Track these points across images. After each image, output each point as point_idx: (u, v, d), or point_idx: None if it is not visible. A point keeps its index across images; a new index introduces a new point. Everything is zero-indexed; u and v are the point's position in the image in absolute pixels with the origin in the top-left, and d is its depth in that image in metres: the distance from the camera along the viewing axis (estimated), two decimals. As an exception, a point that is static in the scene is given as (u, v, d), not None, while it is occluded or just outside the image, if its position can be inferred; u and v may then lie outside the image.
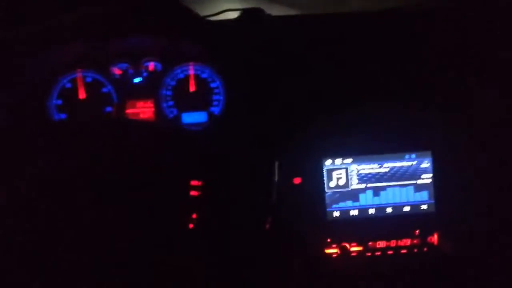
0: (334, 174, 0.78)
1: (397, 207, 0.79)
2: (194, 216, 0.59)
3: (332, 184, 0.78)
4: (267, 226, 0.69)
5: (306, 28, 0.92)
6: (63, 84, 0.87)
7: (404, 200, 0.79)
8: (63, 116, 0.87)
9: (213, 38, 0.76)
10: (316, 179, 0.78)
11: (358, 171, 0.79)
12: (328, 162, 0.78)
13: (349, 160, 0.78)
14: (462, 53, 0.86)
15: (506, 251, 0.78)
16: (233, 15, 0.93)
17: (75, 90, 0.87)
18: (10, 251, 0.55)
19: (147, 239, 0.57)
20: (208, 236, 0.60)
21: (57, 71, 0.86)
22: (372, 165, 0.79)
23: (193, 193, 0.60)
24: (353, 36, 0.89)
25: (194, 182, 0.61)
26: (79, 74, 0.87)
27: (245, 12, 0.91)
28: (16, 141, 0.65)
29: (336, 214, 0.79)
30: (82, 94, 0.87)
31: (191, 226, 0.59)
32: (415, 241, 0.79)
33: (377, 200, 0.79)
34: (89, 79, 0.88)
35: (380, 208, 0.79)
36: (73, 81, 0.87)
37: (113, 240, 0.57)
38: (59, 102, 0.86)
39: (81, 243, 0.56)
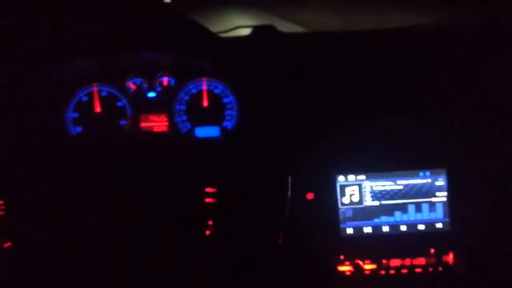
0: (348, 190, 0.78)
1: (412, 225, 0.78)
2: (210, 222, 0.60)
3: (346, 200, 0.78)
4: (280, 241, 0.69)
5: (317, 45, 0.93)
6: (79, 98, 0.88)
7: (418, 218, 0.78)
8: (79, 128, 0.88)
9: (225, 55, 0.78)
10: (329, 195, 0.78)
11: (371, 188, 0.78)
12: (341, 178, 0.78)
13: (362, 177, 0.78)
14: (475, 71, 0.86)
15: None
16: (245, 32, 0.95)
17: (91, 103, 0.88)
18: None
19: (165, 245, 0.58)
20: (224, 243, 0.60)
21: (74, 85, 0.88)
22: (385, 182, 0.78)
23: (208, 200, 0.61)
24: (364, 53, 0.90)
25: (209, 189, 0.61)
26: (95, 88, 0.88)
27: (256, 29, 0.93)
28: (33, 152, 0.66)
29: (350, 231, 0.78)
30: (97, 108, 0.88)
31: (207, 232, 0.59)
32: (430, 260, 0.78)
33: (391, 218, 0.78)
34: (104, 93, 0.89)
35: (394, 226, 0.78)
36: (89, 95, 0.88)
37: (131, 246, 0.57)
38: (75, 115, 0.88)
39: (100, 250, 0.56)
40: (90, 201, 0.58)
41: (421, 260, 0.78)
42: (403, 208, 0.78)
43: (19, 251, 0.58)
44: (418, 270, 0.78)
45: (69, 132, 0.88)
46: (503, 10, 0.93)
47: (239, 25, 1.03)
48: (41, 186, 0.59)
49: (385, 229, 0.78)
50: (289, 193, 0.72)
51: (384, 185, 0.78)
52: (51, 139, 0.76)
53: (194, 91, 0.91)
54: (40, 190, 0.58)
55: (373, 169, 0.78)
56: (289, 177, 0.72)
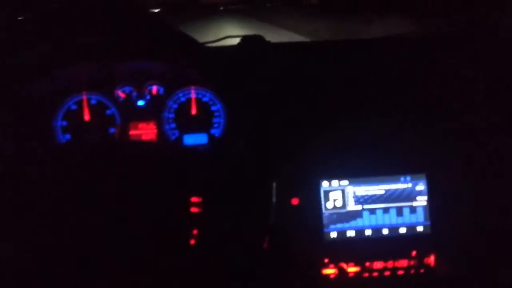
0: (331, 196, 0.80)
1: (393, 228, 0.81)
2: (195, 232, 0.61)
3: (329, 205, 0.80)
4: (265, 246, 0.70)
5: (302, 54, 0.96)
6: (68, 106, 0.89)
7: (400, 221, 0.81)
8: (67, 136, 0.89)
9: (213, 64, 0.79)
10: (313, 200, 0.80)
11: (354, 193, 0.80)
12: (325, 183, 0.80)
13: (345, 182, 0.80)
14: (455, 78, 0.89)
15: (502, 272, 0.79)
16: (235, 41, 0.97)
17: (80, 111, 0.89)
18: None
19: (150, 255, 0.59)
20: (208, 252, 0.61)
21: (63, 93, 0.89)
22: (368, 187, 0.80)
23: (193, 209, 0.62)
24: (350, 61, 0.92)
25: (194, 199, 0.62)
26: (84, 97, 0.90)
27: (245, 39, 0.95)
28: (21, 161, 0.67)
29: (333, 234, 0.80)
30: (86, 116, 0.89)
31: (192, 242, 0.60)
32: (412, 263, 0.80)
33: (373, 221, 0.80)
34: (93, 101, 0.90)
35: (377, 230, 0.80)
36: (78, 103, 0.90)
37: (115, 257, 0.58)
38: (64, 123, 0.89)
39: (84, 260, 0.57)
40: (76, 208, 0.59)
41: (403, 263, 0.80)
42: (385, 212, 0.80)
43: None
44: (400, 272, 0.80)
45: (57, 140, 0.89)
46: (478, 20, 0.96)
47: (228, 35, 1.06)
48: (29, 193, 0.59)
49: (368, 232, 0.80)
50: (274, 199, 0.74)
51: (366, 190, 0.80)
52: (40, 147, 0.78)
53: (182, 99, 0.93)
54: (27, 197, 0.59)
55: (356, 175, 0.81)
56: (274, 184, 0.74)
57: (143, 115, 0.92)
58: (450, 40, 0.97)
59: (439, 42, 0.96)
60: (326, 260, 0.79)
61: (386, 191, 0.81)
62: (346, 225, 0.80)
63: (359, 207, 0.80)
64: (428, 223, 0.81)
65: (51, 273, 0.57)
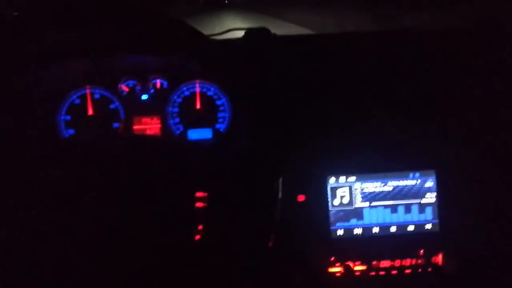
0: (338, 192, 0.79)
1: (401, 226, 0.79)
2: (200, 227, 0.60)
3: (336, 202, 0.79)
4: (271, 243, 0.69)
5: (310, 48, 0.94)
6: (72, 100, 0.88)
7: (408, 219, 0.79)
8: (71, 131, 0.88)
9: (217, 57, 0.78)
10: (320, 197, 0.78)
11: (362, 189, 0.79)
12: (332, 180, 0.79)
13: (352, 178, 0.79)
14: (465, 74, 0.87)
15: (511, 272, 0.77)
16: (239, 34, 0.95)
17: (83, 106, 0.88)
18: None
19: (154, 250, 0.58)
20: (213, 248, 0.60)
21: (67, 88, 0.88)
22: (375, 184, 0.79)
23: (198, 204, 0.61)
24: (358, 55, 0.90)
25: (199, 194, 0.61)
26: (88, 91, 0.89)
27: (250, 31, 0.94)
28: (24, 155, 0.66)
29: (340, 232, 0.78)
30: (90, 110, 0.88)
31: (197, 237, 0.60)
32: (419, 261, 0.79)
33: (381, 219, 0.79)
34: (97, 96, 0.89)
35: (384, 227, 0.79)
36: (82, 97, 0.89)
37: (119, 252, 0.57)
38: (68, 117, 0.88)
39: (87, 256, 0.57)
40: (79, 203, 0.59)
41: (411, 261, 0.79)
42: (392, 209, 0.79)
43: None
44: (407, 271, 0.79)
45: (61, 134, 0.88)
46: (492, 13, 0.94)
47: (233, 28, 1.04)
48: (31, 188, 0.59)
49: (375, 230, 0.79)
50: (280, 195, 0.73)
51: (374, 187, 0.79)
52: (43, 141, 0.77)
53: (187, 93, 0.92)
54: (30, 192, 0.59)
55: (363, 171, 0.79)
56: (280, 180, 0.73)
57: (147, 109, 0.91)
58: (459, 35, 0.94)
59: (449, 37, 0.94)
60: (332, 258, 0.78)
61: (394, 187, 0.79)
62: (353, 222, 0.79)
63: (366, 204, 0.79)
64: (437, 221, 0.79)
65: (52, 270, 0.57)
